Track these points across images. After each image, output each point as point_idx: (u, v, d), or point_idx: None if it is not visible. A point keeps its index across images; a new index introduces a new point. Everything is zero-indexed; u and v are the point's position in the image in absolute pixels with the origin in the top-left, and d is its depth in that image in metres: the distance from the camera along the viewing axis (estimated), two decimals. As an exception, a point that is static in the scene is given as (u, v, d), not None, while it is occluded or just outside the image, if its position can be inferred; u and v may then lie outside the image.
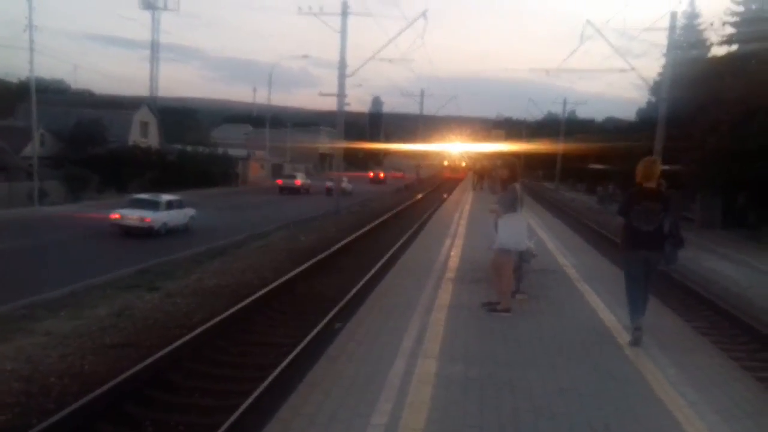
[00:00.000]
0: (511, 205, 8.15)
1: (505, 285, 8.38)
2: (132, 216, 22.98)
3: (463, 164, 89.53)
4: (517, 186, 8.23)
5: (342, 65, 32.48)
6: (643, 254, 7.14)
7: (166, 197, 24.87)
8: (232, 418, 7.14)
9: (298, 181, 51.38)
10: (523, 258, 9.04)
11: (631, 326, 7.28)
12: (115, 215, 23.28)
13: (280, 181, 52.08)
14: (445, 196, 41.48)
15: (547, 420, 4.96)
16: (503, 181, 8.49)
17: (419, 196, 48.88)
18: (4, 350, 9.42)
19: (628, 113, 67.79)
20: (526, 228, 8.40)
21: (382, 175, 79.76)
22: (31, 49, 30.41)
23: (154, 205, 23.69)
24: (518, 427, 4.84)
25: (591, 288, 10.24)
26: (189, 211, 25.73)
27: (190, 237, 23.60)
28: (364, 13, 68.59)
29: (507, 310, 8.12)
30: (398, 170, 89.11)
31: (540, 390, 5.58)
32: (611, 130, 67.93)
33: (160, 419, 7.60)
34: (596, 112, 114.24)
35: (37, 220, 26.65)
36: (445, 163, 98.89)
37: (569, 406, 5.25)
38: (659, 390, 5.75)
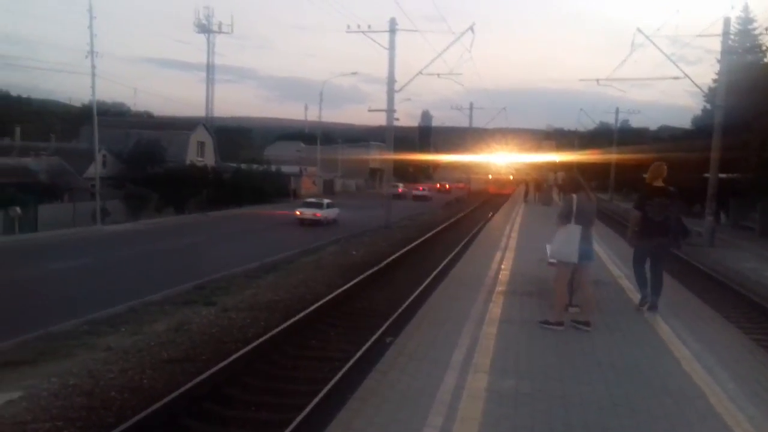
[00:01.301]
0: (566, 216, 8.02)
1: (557, 298, 8.25)
2: (308, 212, 36.62)
3: (511, 177, 79.48)
4: (575, 197, 8.07)
5: (390, 81, 32.67)
6: (655, 240, 8.84)
7: (326, 201, 39.57)
8: (286, 432, 7.20)
9: (318, 213, 36.76)
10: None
11: (640, 295, 9.37)
12: (297, 212, 37.01)
13: (298, 213, 36.94)
14: (490, 214, 35.29)
15: (600, 435, 4.86)
16: (562, 191, 8.44)
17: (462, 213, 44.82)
18: (68, 365, 9.74)
19: (683, 121, 66.36)
20: (579, 239, 8.11)
21: (447, 186, 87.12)
22: (93, 74, 31.58)
23: (319, 206, 37.70)
24: (571, 442, 4.76)
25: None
26: (337, 210, 39.21)
27: (338, 226, 35.28)
28: (411, 29, 68.68)
29: (559, 324, 7.97)
30: (457, 182, 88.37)
31: (592, 405, 5.47)
32: (666, 138, 66.34)
33: (216, 433, 7.72)
34: (650, 121, 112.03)
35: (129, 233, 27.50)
36: (490, 176, 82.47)
37: (622, 421, 5.13)
38: (718, 405, 5.57)
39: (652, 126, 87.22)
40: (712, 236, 27.97)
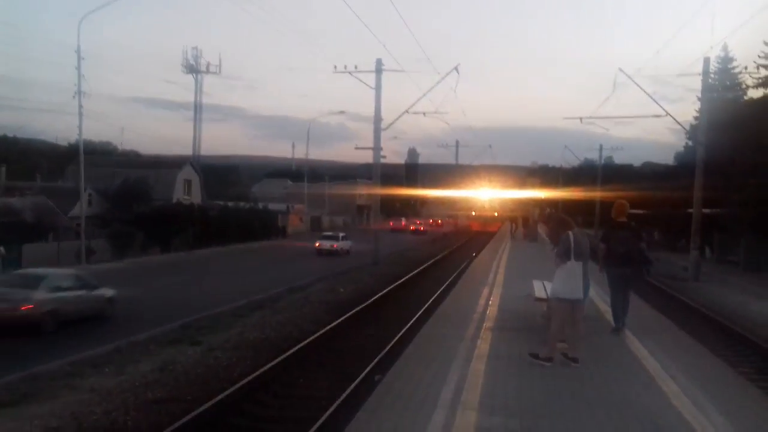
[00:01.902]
0: (564, 254, 8.02)
1: (552, 334, 8.19)
2: (326, 244, 42.41)
3: (495, 214, 74.92)
4: (571, 234, 8.08)
5: (377, 119, 32.95)
6: (620, 269, 9.70)
7: (341, 234, 46.05)
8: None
9: (335, 245, 42.28)
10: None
11: (613, 325, 10.16)
12: (317, 244, 42.45)
13: (317, 244, 42.00)
14: (474, 254, 35.30)
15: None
16: (554, 234, 8.47)
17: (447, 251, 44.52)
18: (51, 407, 9.55)
19: (666, 157, 67.16)
20: (581, 276, 8.08)
21: (440, 221, 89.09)
22: (80, 114, 31.60)
23: (336, 238, 43.90)
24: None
25: (633, 335, 9.99)
26: (350, 242, 44.21)
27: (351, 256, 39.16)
28: (397, 70, 69.39)
29: (549, 359, 7.90)
30: (446, 218, 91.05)
31: (582, 442, 5.43)
32: (649, 174, 67.06)
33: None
34: (633, 158, 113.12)
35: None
36: (473, 213, 79.75)
37: (613, 459, 5.09)
38: (707, 440, 5.54)
39: (636, 162, 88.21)
40: (697, 271, 28.15)
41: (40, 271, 18.13)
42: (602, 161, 69.43)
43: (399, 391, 6.77)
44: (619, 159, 76.75)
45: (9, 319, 14.83)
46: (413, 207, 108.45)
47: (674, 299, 21.40)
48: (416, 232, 76.83)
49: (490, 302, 12.95)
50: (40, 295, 15.57)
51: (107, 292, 18.37)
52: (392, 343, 13.40)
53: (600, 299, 13.76)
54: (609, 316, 11.71)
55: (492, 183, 75.22)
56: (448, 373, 7.42)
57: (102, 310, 17.80)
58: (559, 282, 8.00)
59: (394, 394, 6.69)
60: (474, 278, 17.87)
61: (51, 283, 16.34)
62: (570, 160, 74.61)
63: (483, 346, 8.95)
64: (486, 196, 77.37)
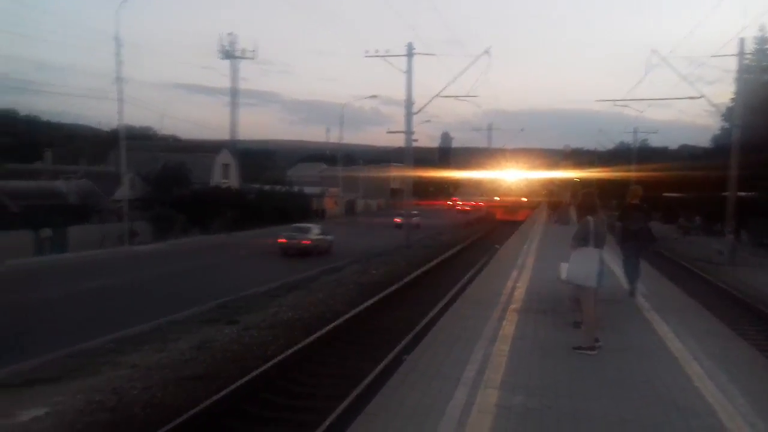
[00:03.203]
0: (583, 239, 7.89)
1: (585, 322, 8.01)
2: (294, 239, 30.61)
3: (524, 199, 60.70)
4: (591, 219, 7.95)
5: (409, 103, 32.93)
6: (632, 243, 11.45)
7: (314, 226, 33.58)
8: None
9: (307, 240, 31.06)
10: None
11: (628, 288, 11.61)
12: (280, 239, 30.92)
13: (283, 240, 31.08)
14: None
15: (607, 451, 4.88)
16: (579, 213, 8.36)
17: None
18: (93, 382, 9.93)
19: (703, 140, 65.44)
20: (599, 264, 7.95)
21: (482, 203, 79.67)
22: (120, 100, 32.25)
23: (307, 231, 31.88)
24: (577, 457, 4.78)
25: (660, 317, 9.94)
26: (331, 237, 33.42)
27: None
28: (428, 53, 69.21)
29: (591, 348, 7.70)
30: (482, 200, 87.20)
31: (601, 420, 5.48)
32: (686, 157, 65.66)
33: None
34: (670, 140, 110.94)
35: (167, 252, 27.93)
36: (496, 198, 64.17)
37: (630, 437, 5.14)
38: (727, 421, 5.55)
39: (672, 145, 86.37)
40: (732, 254, 27.64)
41: (309, 225, 34.06)
42: (637, 144, 68.24)
43: (424, 369, 6.90)
44: (655, 142, 75.32)
45: (296, 248, 30.06)
46: (446, 190, 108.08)
47: (706, 282, 21.09)
48: (462, 211, 78.98)
49: (518, 284, 12.96)
50: (310, 236, 30.98)
51: (330, 237, 33.07)
52: (421, 324, 13.53)
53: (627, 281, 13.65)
54: (637, 298, 11.72)
55: (524, 166, 68.85)
56: (471, 353, 7.52)
57: (329, 248, 32.25)
58: (574, 266, 7.90)
59: (419, 371, 6.82)
60: (504, 261, 17.85)
61: (313, 231, 31.93)
62: (604, 143, 73.52)
63: (508, 327, 9.01)
64: (514, 178, 66.01)
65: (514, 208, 56.78)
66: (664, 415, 5.67)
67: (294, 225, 33.68)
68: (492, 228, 48.86)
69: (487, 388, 6.25)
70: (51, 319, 15.33)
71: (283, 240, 30.58)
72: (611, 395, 6.17)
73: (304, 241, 30.39)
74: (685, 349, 8.02)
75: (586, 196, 8.43)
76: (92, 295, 18.59)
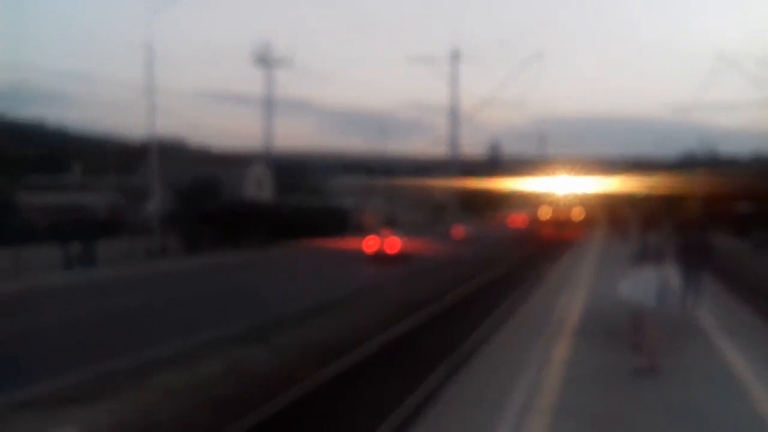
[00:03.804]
0: (639, 257, 7.89)
1: (645, 343, 8.05)
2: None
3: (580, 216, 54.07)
4: (652, 235, 7.94)
5: (454, 112, 33.09)
6: (689, 258, 12.24)
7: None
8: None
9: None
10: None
11: (683, 304, 12.31)
12: None
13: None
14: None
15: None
16: (640, 229, 8.40)
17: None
18: (123, 403, 10.23)
19: (779, 148, 63.91)
20: (658, 283, 7.93)
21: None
22: (151, 110, 33.15)
23: None
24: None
25: (726, 340, 9.80)
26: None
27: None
28: (475, 58, 68.99)
29: (651, 369, 7.76)
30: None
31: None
32: (759, 167, 64.21)
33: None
34: (739, 148, 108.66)
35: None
36: (542, 215, 57.75)
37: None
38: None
39: (743, 153, 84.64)
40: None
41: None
42: (705, 153, 67.08)
43: (467, 397, 6.96)
44: (724, 150, 73.83)
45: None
46: (496, 203, 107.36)
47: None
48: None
49: (572, 304, 12.90)
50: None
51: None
52: (462, 347, 13.52)
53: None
54: (704, 321, 11.58)
55: (579, 176, 61.61)
56: (519, 378, 7.54)
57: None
58: (632, 285, 7.90)
59: (463, 399, 6.89)
60: (559, 280, 17.75)
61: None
62: (668, 151, 72.30)
63: (561, 349, 9.00)
64: (564, 190, 57.65)
65: (564, 225, 50.13)
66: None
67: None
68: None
69: (539, 413, 6.28)
70: (79, 339, 15.75)
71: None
72: (673, 427, 6.13)
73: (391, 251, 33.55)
74: (754, 377, 7.90)
75: (646, 211, 8.47)
76: (118, 315, 19.04)
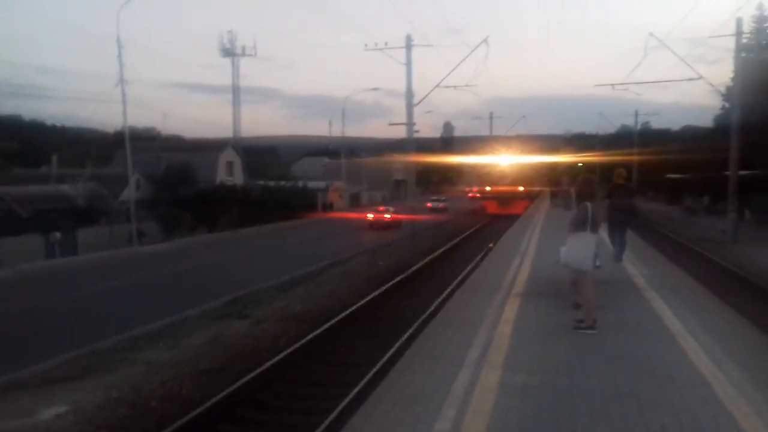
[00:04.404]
0: (581, 224, 8.13)
1: (584, 302, 8.30)
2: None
3: (521, 188, 47.58)
4: (589, 205, 8.18)
5: (409, 95, 33.05)
6: (618, 217, 13.45)
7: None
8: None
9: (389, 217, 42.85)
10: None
11: (613, 255, 13.91)
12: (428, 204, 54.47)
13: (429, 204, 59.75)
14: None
15: (603, 422, 5.13)
16: (577, 198, 8.61)
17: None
18: (110, 379, 10.23)
19: (706, 120, 65.28)
20: (594, 248, 8.26)
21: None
22: (124, 102, 32.50)
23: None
24: (575, 428, 5.03)
25: (659, 296, 10.18)
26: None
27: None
28: (427, 45, 69.11)
29: (590, 327, 7.97)
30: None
31: (598, 395, 5.74)
32: (688, 138, 65.64)
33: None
34: (672, 122, 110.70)
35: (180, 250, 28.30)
36: (487, 188, 50.57)
37: (626, 409, 5.39)
38: (720, 391, 5.79)
39: (674, 127, 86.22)
40: (735, 233, 27.81)
41: (388, 207, 45.58)
42: (639, 127, 68.22)
43: (428, 353, 7.16)
44: (657, 124, 75.28)
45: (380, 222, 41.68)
46: (450, 179, 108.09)
47: (707, 261, 21.32)
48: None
49: (520, 270, 13.20)
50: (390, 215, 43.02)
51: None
52: (428, 312, 13.79)
53: (632, 265, 13.90)
54: (637, 279, 11.98)
55: (525, 152, 58.26)
56: (475, 336, 7.78)
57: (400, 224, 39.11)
58: (570, 251, 8.15)
59: (423, 355, 7.09)
60: (506, 248, 18.08)
61: (390, 210, 44.07)
62: (605, 127, 73.51)
63: (510, 310, 9.26)
64: (509, 163, 50.86)
65: (509, 198, 45.91)
66: (660, 388, 5.92)
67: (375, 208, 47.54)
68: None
69: (490, 368, 6.51)
70: (65, 320, 15.63)
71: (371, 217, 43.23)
72: (609, 371, 6.42)
73: (387, 218, 42.28)
74: (682, 325, 8.26)
75: (583, 182, 8.66)
76: (104, 296, 18.90)
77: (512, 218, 31.20)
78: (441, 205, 61.08)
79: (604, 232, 14.26)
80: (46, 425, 8.40)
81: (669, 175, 58.42)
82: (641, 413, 5.31)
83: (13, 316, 16.14)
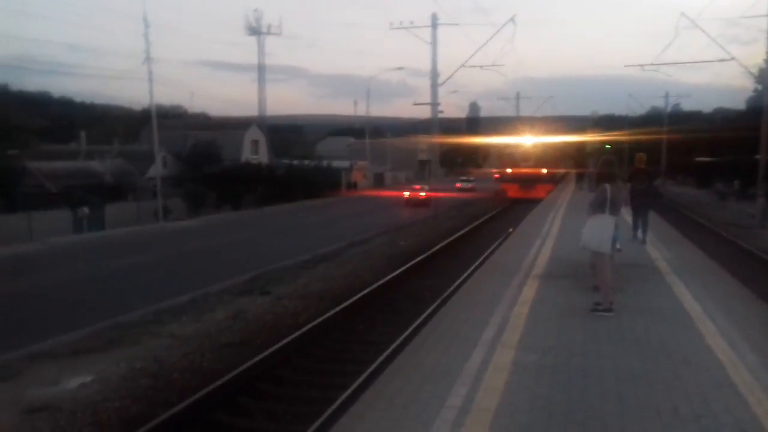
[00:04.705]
0: (599, 206, 8.10)
1: (601, 284, 8.30)
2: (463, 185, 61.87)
3: (544, 171, 43.18)
4: (608, 186, 8.15)
5: (434, 75, 32.90)
6: (639, 200, 13.85)
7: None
8: (333, 408, 7.69)
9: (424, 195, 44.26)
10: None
11: (633, 236, 14.43)
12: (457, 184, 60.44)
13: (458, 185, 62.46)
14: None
15: (614, 403, 5.16)
16: (597, 180, 8.58)
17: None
18: (134, 351, 10.48)
19: (739, 102, 63.95)
20: (613, 230, 8.25)
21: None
22: (150, 80, 32.87)
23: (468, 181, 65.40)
24: (585, 407, 5.07)
25: (680, 280, 10.12)
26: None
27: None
28: (452, 24, 68.39)
29: (607, 310, 7.99)
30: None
31: (611, 376, 5.76)
32: (719, 121, 64.42)
33: (269, 409, 8.28)
34: (704, 104, 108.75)
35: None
36: (508, 170, 45.00)
37: (638, 391, 5.41)
38: (734, 375, 5.78)
39: (706, 109, 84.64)
40: (763, 217, 27.37)
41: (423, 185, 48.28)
42: (669, 109, 67.08)
43: (444, 332, 7.23)
44: (689, 106, 73.88)
45: (415, 200, 44.07)
46: (475, 161, 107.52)
47: (733, 245, 21.04)
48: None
49: (541, 252, 13.19)
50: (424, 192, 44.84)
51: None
52: (447, 291, 13.85)
53: (655, 249, 13.80)
54: (660, 263, 11.90)
55: (552, 133, 50.89)
56: (491, 316, 7.82)
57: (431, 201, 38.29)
58: (588, 233, 8.12)
59: (439, 333, 7.16)
60: (529, 230, 18.03)
61: (425, 188, 45.65)
62: (635, 108, 72.39)
63: (529, 291, 9.29)
64: (532, 143, 45.38)
65: (531, 181, 42.11)
66: (674, 370, 5.93)
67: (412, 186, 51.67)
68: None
69: (504, 347, 6.57)
70: (92, 293, 16.01)
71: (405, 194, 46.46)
72: (624, 353, 6.44)
73: (422, 196, 44.35)
74: (701, 309, 8.23)
75: (603, 164, 8.62)
76: (131, 270, 19.28)
77: (535, 201, 30.81)
78: (470, 185, 63.41)
79: (628, 215, 14.67)
80: (71, 394, 8.64)
81: (698, 159, 57.44)
82: (653, 395, 5.33)
83: (43, 288, 16.56)
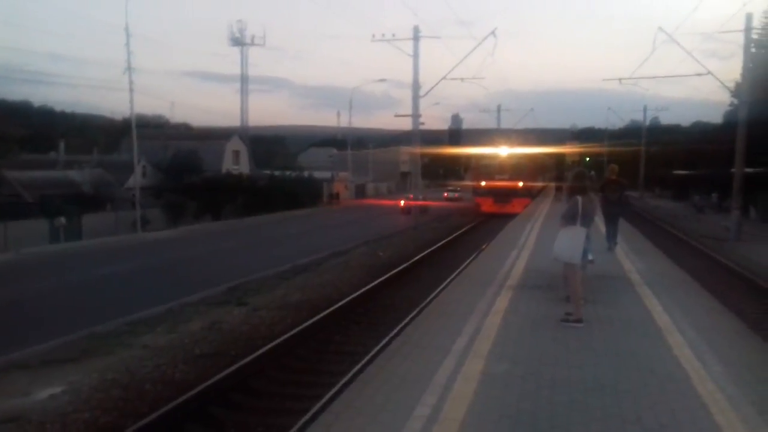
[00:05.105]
0: (571, 218, 8.20)
1: (572, 295, 8.38)
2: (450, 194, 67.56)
3: (520, 184, 40.66)
4: (580, 198, 8.25)
5: (415, 87, 33.10)
6: (611, 209, 14.71)
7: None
8: (304, 419, 7.66)
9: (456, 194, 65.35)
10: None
11: (607, 245, 14.96)
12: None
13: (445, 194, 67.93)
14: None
15: (580, 412, 5.20)
16: (568, 192, 8.68)
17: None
18: (107, 362, 10.37)
19: (716, 116, 65.01)
20: (584, 242, 8.37)
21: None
22: (131, 89, 32.65)
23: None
24: (552, 416, 5.11)
25: (651, 292, 10.23)
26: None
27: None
28: (434, 36, 68.67)
29: (578, 321, 8.05)
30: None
31: (579, 386, 5.81)
32: (697, 134, 65.40)
33: (241, 421, 8.22)
34: (682, 118, 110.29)
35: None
36: (482, 183, 42.47)
37: (604, 400, 5.46)
38: (699, 386, 5.85)
39: (685, 122, 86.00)
40: (738, 230, 27.73)
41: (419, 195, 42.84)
42: (648, 122, 68.00)
43: (417, 341, 7.25)
44: (667, 119, 75.02)
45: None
46: (456, 172, 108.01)
47: (707, 258, 21.29)
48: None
49: (517, 263, 13.26)
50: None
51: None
52: (424, 302, 13.86)
53: (628, 260, 13.94)
54: (632, 275, 12.02)
55: (528, 145, 45.92)
56: (464, 326, 7.86)
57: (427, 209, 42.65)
58: (560, 244, 8.20)
59: (411, 343, 7.17)
60: (505, 241, 18.13)
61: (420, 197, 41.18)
62: (614, 121, 73.28)
63: (502, 302, 9.33)
64: (508, 153, 42.43)
65: (506, 195, 40.07)
66: (641, 380, 5.98)
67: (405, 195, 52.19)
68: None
69: (475, 357, 6.59)
70: (66, 304, 15.82)
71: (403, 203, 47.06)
72: (592, 363, 6.49)
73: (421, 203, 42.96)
74: (671, 321, 8.31)
75: (575, 177, 8.72)
76: (106, 281, 19.08)
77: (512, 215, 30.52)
78: (456, 194, 68.87)
79: (601, 224, 15.57)
80: (41, 405, 8.53)
81: (675, 171, 58.22)
82: (619, 405, 5.38)
83: (14, 299, 16.34)
